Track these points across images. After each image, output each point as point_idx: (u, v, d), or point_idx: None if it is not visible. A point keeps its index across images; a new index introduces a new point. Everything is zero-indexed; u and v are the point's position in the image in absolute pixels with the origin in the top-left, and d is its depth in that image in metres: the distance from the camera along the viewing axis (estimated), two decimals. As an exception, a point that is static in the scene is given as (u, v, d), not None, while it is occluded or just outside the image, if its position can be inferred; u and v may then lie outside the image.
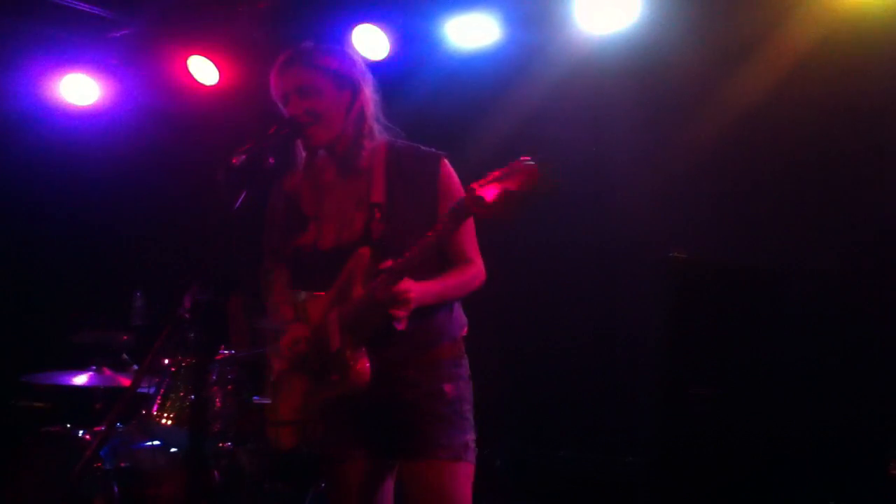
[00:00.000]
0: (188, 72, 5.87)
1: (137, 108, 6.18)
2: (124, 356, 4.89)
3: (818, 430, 4.16)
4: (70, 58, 5.96)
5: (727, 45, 4.88)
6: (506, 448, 5.19)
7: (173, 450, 4.52)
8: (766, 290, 4.41)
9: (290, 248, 3.03)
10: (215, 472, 4.43)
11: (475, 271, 2.96)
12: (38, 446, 4.55)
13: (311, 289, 2.95)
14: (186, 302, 2.55)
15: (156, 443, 4.55)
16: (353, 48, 4.71)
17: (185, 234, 5.72)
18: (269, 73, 2.99)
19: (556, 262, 5.41)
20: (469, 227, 2.96)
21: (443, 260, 2.92)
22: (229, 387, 4.57)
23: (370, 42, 5.34)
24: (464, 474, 2.87)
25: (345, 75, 2.96)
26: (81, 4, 5.48)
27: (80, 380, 4.67)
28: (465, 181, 2.68)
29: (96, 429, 4.49)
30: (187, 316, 2.55)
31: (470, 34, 5.30)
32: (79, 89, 6.05)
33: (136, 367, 4.88)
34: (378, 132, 3.01)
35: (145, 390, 4.56)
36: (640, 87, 5.09)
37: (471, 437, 2.91)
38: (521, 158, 2.59)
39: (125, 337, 4.85)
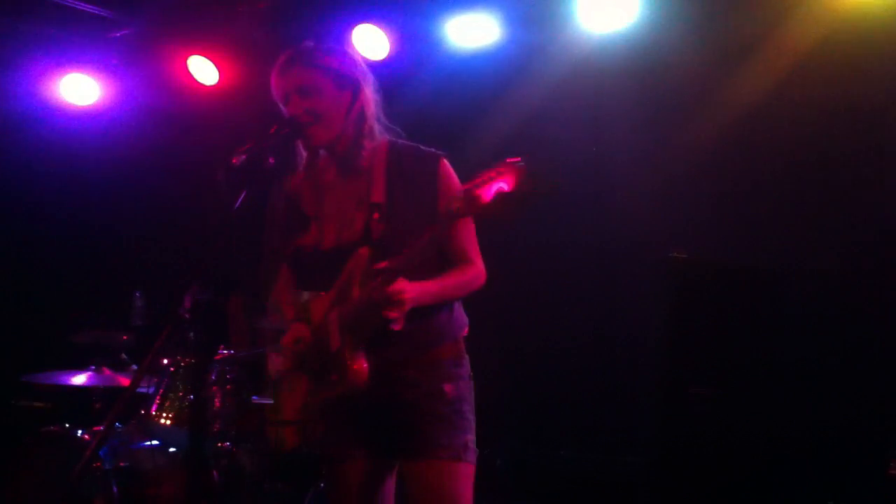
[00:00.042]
0: (188, 72, 5.88)
1: (137, 108, 6.18)
2: (124, 356, 4.89)
3: (818, 430, 4.16)
4: (70, 58, 5.96)
5: (727, 45, 4.89)
6: (506, 448, 5.20)
7: (172, 450, 4.52)
8: (766, 290, 4.40)
9: (291, 248, 3.03)
10: (215, 472, 4.42)
11: (475, 272, 2.96)
12: (37, 446, 4.54)
13: (312, 289, 2.95)
14: (186, 302, 2.54)
15: (155, 443, 4.55)
16: (354, 48, 4.73)
17: (185, 234, 5.71)
18: (269, 73, 2.99)
19: (556, 262, 5.41)
20: (469, 228, 2.95)
21: (443, 260, 2.91)
22: (229, 387, 4.56)
23: (370, 42, 5.34)
24: (464, 474, 2.86)
25: (345, 75, 2.96)
26: (81, 4, 5.48)
27: (80, 380, 4.67)
28: (466, 181, 2.67)
29: (96, 429, 4.49)
30: (187, 316, 2.54)
31: (470, 34, 5.29)
32: (79, 89, 6.04)
33: (135, 366, 4.88)
34: (379, 132, 3.01)
35: (144, 390, 4.56)
36: (640, 87, 5.09)
37: (471, 437, 2.90)
38: (507, 160, 2.53)
39: (125, 337, 4.85)
